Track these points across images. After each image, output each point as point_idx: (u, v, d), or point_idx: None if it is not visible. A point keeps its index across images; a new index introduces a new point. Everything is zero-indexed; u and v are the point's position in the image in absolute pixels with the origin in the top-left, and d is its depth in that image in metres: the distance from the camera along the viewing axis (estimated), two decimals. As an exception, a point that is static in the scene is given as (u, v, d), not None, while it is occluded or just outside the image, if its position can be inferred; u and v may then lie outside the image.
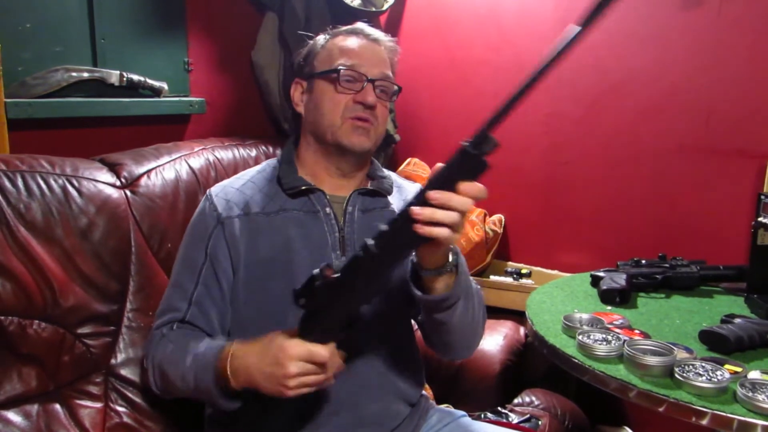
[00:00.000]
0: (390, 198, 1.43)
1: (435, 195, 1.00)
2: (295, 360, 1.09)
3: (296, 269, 1.29)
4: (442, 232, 1.00)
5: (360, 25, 1.42)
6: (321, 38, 1.42)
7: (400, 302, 1.35)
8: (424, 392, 1.52)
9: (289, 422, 1.27)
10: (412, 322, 1.47)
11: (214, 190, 1.40)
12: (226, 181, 1.43)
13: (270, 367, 1.11)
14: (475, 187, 1.02)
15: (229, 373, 1.17)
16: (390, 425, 1.36)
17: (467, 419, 1.50)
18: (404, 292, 1.23)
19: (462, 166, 1.00)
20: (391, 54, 1.42)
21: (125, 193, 1.63)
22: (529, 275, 2.35)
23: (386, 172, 1.49)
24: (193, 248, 1.36)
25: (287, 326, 1.27)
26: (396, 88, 1.41)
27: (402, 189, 1.48)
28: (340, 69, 1.33)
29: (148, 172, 1.70)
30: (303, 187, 1.35)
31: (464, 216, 1.03)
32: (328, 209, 1.35)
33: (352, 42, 1.38)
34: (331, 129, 1.33)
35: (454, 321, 1.24)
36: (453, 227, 1.01)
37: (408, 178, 1.95)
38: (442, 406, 1.59)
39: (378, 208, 1.40)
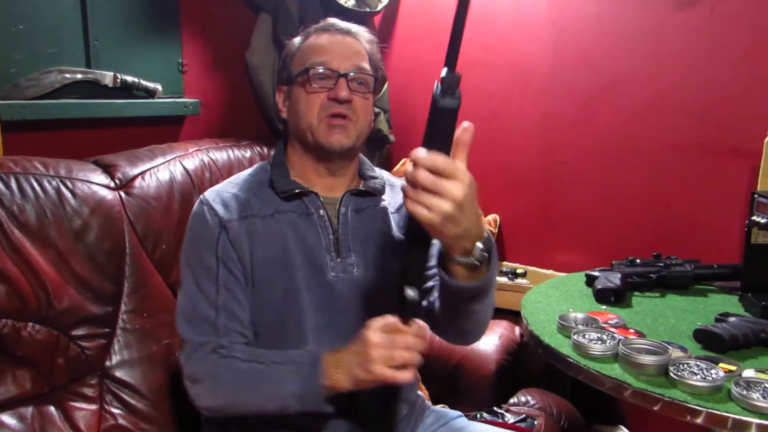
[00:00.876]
0: (383, 197, 1.43)
1: (408, 170, 0.97)
2: (375, 329, 1.10)
3: (293, 271, 1.29)
4: (419, 211, 0.95)
5: (331, 20, 1.41)
6: (296, 40, 1.41)
7: (396, 303, 1.35)
8: (420, 392, 1.52)
9: (287, 423, 1.27)
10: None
11: (209, 195, 1.36)
12: (218, 187, 1.40)
13: (355, 347, 1.13)
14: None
15: (327, 381, 1.16)
16: (389, 424, 1.36)
17: (463, 419, 1.50)
18: (399, 292, 1.22)
19: (438, 120, 0.96)
20: (368, 44, 1.39)
21: (119, 195, 1.62)
22: (524, 275, 2.35)
23: (377, 171, 1.48)
24: (202, 254, 1.31)
25: (286, 328, 1.27)
26: (374, 79, 1.38)
27: (394, 187, 1.47)
28: (310, 68, 1.31)
29: (143, 173, 1.70)
30: (296, 191, 1.34)
31: (446, 199, 0.94)
32: (321, 211, 1.34)
33: (322, 39, 1.36)
34: (309, 130, 1.31)
35: (478, 308, 1.20)
36: (428, 207, 0.94)
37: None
38: (438, 407, 1.59)
39: (371, 208, 1.39)
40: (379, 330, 1.10)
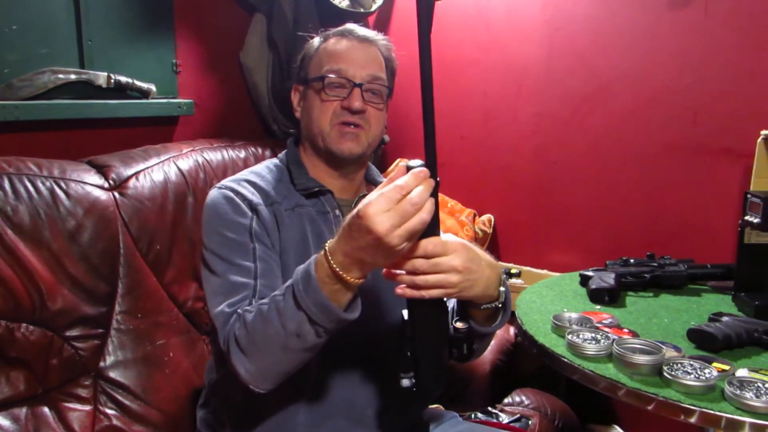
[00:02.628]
0: None
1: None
2: (375, 197, 0.95)
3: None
4: (433, 293, 1.03)
5: (350, 26, 1.40)
6: (315, 41, 1.41)
7: (396, 306, 1.36)
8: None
9: (285, 424, 1.26)
10: None
11: (231, 183, 1.31)
12: (235, 177, 1.36)
13: (363, 240, 0.96)
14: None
15: (337, 268, 1.00)
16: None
17: (458, 419, 1.51)
18: (398, 298, 1.23)
19: None
20: (386, 52, 1.41)
21: (113, 195, 1.62)
22: (518, 275, 2.35)
23: (382, 177, 1.49)
24: (234, 236, 1.25)
25: None
26: (389, 88, 1.40)
27: None
28: (325, 76, 1.32)
29: (137, 173, 1.70)
30: (316, 189, 1.35)
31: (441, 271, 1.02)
32: (337, 211, 1.35)
33: (341, 45, 1.36)
34: (321, 136, 1.33)
35: (489, 340, 1.31)
36: (439, 286, 1.03)
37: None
38: (433, 407, 1.59)
39: None
40: (381, 209, 0.93)
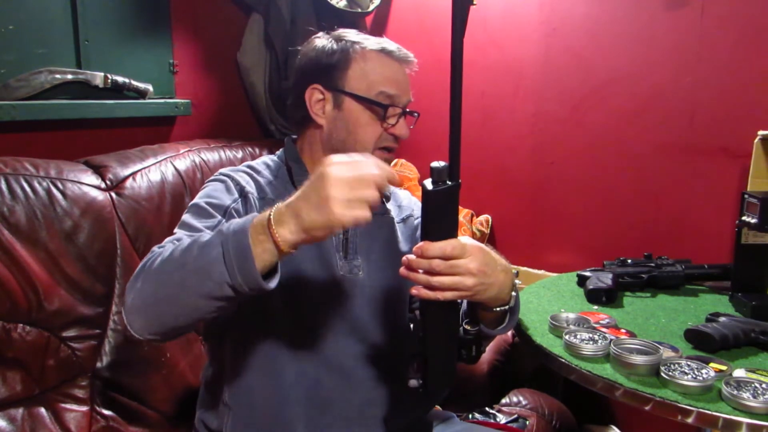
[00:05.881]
0: (387, 204, 1.44)
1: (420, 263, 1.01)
2: (333, 163, 0.93)
3: (301, 264, 1.27)
4: (448, 295, 1.02)
5: (392, 44, 1.36)
6: (346, 47, 1.33)
7: (399, 307, 1.37)
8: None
9: (284, 425, 1.26)
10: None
11: (228, 170, 1.32)
12: (234, 167, 1.35)
13: (309, 187, 0.94)
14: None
15: (271, 216, 0.94)
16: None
17: (455, 419, 1.51)
18: (402, 298, 1.23)
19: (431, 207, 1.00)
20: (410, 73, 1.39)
21: (110, 196, 1.62)
22: (516, 275, 2.35)
23: None
24: (209, 207, 1.21)
25: (291, 315, 1.26)
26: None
27: (395, 195, 1.50)
28: (388, 105, 1.29)
29: (134, 174, 1.70)
30: None
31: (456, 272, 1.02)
32: None
33: (391, 67, 1.33)
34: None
35: (489, 342, 1.32)
36: (455, 288, 1.02)
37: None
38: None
39: (379, 215, 1.40)
40: (342, 162, 0.93)
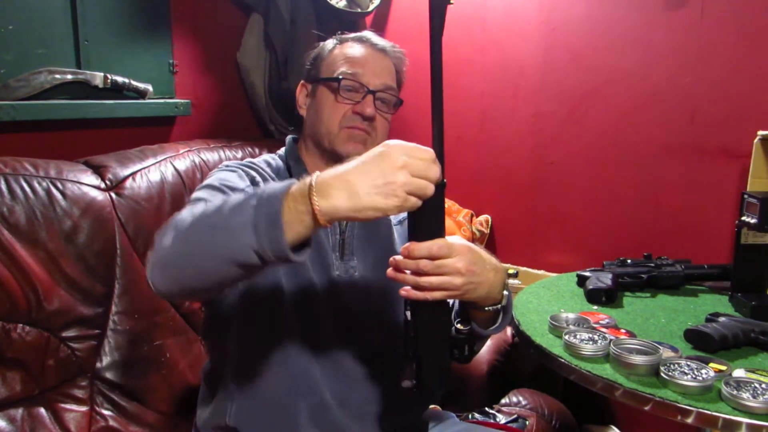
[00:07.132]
0: None
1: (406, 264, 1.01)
2: (398, 145, 0.93)
3: (297, 264, 1.27)
4: (436, 294, 1.01)
5: (368, 33, 1.41)
6: (330, 43, 1.41)
7: (395, 307, 1.36)
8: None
9: (284, 425, 1.26)
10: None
11: (231, 163, 1.31)
12: (238, 161, 1.35)
13: (373, 162, 0.91)
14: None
15: (313, 186, 0.89)
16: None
17: (455, 420, 1.51)
18: (397, 299, 1.22)
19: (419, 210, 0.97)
20: (398, 64, 1.41)
21: (110, 196, 1.62)
22: (515, 275, 2.35)
23: None
24: (221, 184, 1.18)
25: (294, 312, 1.26)
26: (396, 100, 1.39)
27: None
28: (341, 78, 1.32)
29: (133, 174, 1.70)
30: None
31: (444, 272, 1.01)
32: None
33: (357, 50, 1.37)
34: (328, 137, 1.33)
35: (485, 341, 1.31)
36: (443, 288, 1.01)
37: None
38: (431, 407, 1.59)
39: None
40: (406, 148, 0.92)
